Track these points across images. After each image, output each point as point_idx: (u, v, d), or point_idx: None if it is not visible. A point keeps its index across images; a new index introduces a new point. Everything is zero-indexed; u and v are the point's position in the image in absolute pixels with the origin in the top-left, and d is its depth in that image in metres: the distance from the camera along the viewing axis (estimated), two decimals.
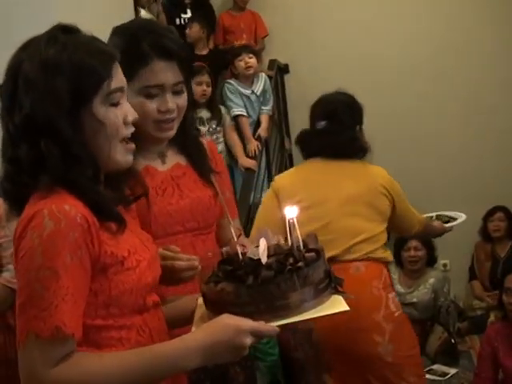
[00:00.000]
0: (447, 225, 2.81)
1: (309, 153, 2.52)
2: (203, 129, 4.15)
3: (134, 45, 1.53)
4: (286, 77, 5.75)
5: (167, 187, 1.64)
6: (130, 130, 1.25)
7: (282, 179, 2.56)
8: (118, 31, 1.62)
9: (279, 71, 5.60)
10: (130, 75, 1.48)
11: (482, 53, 5.35)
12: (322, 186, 2.41)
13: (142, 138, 1.60)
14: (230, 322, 1.16)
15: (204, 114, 4.25)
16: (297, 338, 2.37)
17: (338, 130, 2.44)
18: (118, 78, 1.22)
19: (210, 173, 1.70)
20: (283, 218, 1.27)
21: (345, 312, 1.20)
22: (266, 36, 5.54)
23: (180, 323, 1.37)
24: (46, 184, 1.15)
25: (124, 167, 1.27)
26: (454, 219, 2.84)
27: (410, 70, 5.42)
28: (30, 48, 1.18)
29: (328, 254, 2.24)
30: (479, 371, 3.25)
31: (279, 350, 3.24)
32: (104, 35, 1.46)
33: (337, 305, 1.22)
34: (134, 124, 1.48)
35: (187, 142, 1.69)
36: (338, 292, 1.26)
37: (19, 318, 1.12)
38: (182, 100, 1.60)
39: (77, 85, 1.15)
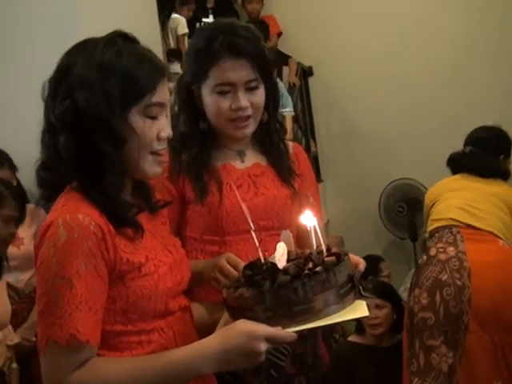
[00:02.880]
0: None
1: (457, 169, 2.94)
2: None
3: (207, 44, 1.56)
4: (311, 79, 5.73)
5: (242, 183, 1.62)
6: (162, 146, 1.26)
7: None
8: (196, 33, 1.70)
9: (303, 74, 5.57)
10: (203, 74, 1.56)
11: None
12: (472, 181, 2.82)
13: (220, 137, 1.64)
14: (243, 328, 1.15)
15: None
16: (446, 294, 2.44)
17: (480, 155, 2.90)
18: (162, 94, 1.23)
19: (290, 173, 1.68)
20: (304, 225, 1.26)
21: (366, 317, 1.17)
22: (279, 34, 5.52)
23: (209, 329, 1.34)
24: (70, 181, 1.20)
25: (151, 177, 1.30)
26: None
27: (442, 69, 5.22)
28: (86, 49, 1.22)
29: (476, 224, 2.59)
30: None
31: None
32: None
33: (357, 310, 1.19)
34: (212, 122, 1.59)
35: (270, 142, 1.68)
36: (362, 296, 1.23)
37: (39, 324, 1.14)
38: (257, 97, 1.59)
39: (121, 90, 1.18)
